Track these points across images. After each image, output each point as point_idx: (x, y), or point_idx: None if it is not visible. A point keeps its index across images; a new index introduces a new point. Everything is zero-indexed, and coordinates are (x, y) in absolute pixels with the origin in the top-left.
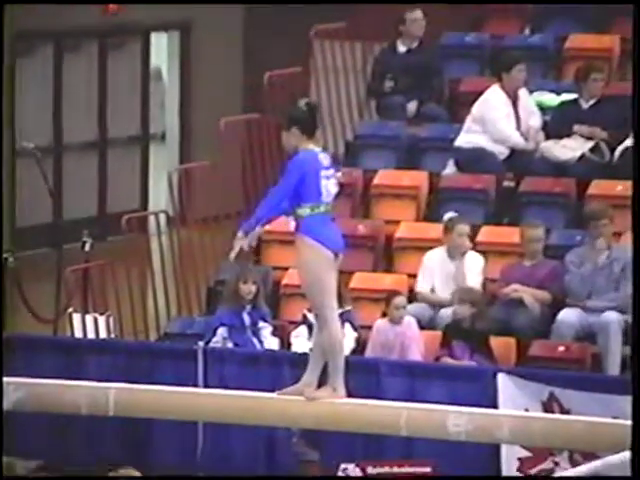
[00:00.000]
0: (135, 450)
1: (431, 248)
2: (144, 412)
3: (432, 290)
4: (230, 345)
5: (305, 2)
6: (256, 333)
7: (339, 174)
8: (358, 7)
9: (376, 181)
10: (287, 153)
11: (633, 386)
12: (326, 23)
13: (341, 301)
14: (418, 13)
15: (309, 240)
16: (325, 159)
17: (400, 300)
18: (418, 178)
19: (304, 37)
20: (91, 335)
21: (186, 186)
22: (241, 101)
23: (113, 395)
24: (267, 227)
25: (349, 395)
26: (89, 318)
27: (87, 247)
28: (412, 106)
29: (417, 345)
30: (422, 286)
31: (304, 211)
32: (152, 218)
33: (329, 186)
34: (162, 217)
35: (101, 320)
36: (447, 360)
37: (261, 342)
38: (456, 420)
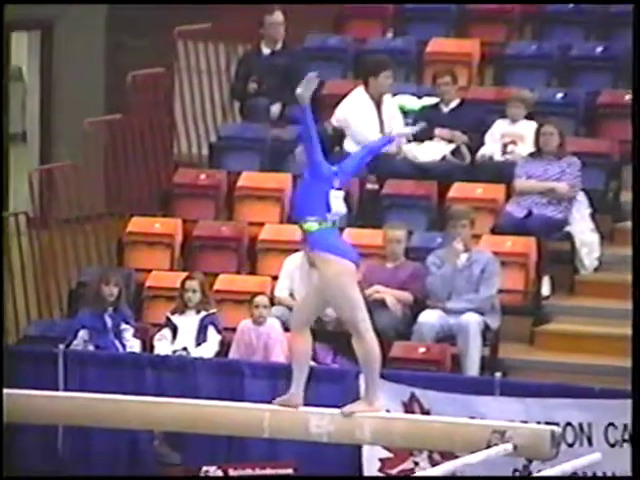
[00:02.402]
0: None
1: (295, 250)
2: (4, 416)
3: (291, 294)
4: (92, 348)
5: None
6: (118, 335)
7: (202, 176)
8: (223, 8)
9: (240, 183)
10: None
11: (633, 386)
12: (190, 24)
13: (205, 303)
14: (277, 16)
15: (328, 255)
16: (337, 181)
17: (260, 299)
18: (282, 180)
19: (168, 37)
20: None
21: (47, 187)
22: (104, 101)
23: None
24: (130, 228)
25: (212, 397)
26: None
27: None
28: (276, 108)
29: (280, 346)
30: (281, 290)
31: (311, 226)
32: (12, 219)
33: (337, 205)
34: (22, 218)
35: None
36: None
37: (123, 345)
38: (318, 421)
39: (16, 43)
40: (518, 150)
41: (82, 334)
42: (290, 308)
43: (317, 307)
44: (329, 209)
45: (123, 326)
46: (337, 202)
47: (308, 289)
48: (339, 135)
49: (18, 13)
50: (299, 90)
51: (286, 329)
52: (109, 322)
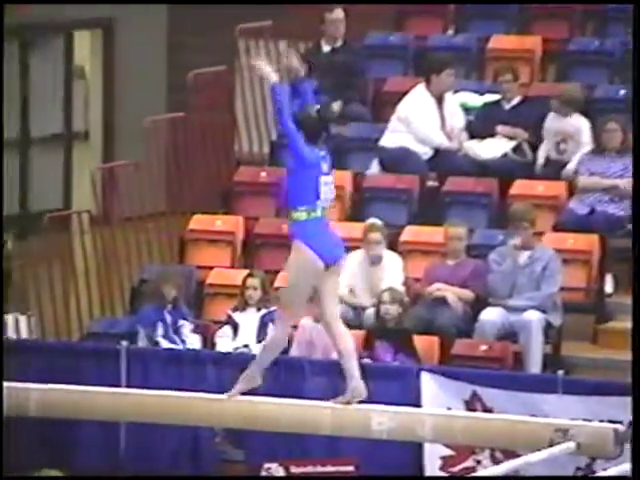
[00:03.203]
0: (58, 451)
1: (357, 248)
2: (66, 413)
3: (351, 291)
4: (153, 344)
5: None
6: (177, 332)
7: (263, 174)
8: (284, 6)
9: None
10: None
11: (633, 387)
12: (251, 22)
13: (266, 301)
14: (338, 13)
15: (302, 246)
16: (325, 165)
17: None
18: (342, 178)
19: (229, 36)
20: (12, 335)
21: (109, 185)
22: (165, 100)
23: (34, 396)
24: (192, 226)
25: (272, 394)
26: (10, 318)
27: (8, 246)
28: (336, 106)
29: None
30: (341, 288)
31: (300, 215)
32: (75, 217)
33: (327, 191)
34: (85, 216)
35: (22, 320)
36: (367, 361)
37: (183, 341)
38: (379, 419)
39: (79, 42)
40: (570, 148)
41: (143, 331)
42: (351, 306)
43: (333, 295)
44: (318, 196)
45: (181, 322)
46: (326, 189)
47: (320, 290)
48: (326, 118)
49: (80, 12)
50: (258, 64)
51: (347, 326)
52: (168, 319)
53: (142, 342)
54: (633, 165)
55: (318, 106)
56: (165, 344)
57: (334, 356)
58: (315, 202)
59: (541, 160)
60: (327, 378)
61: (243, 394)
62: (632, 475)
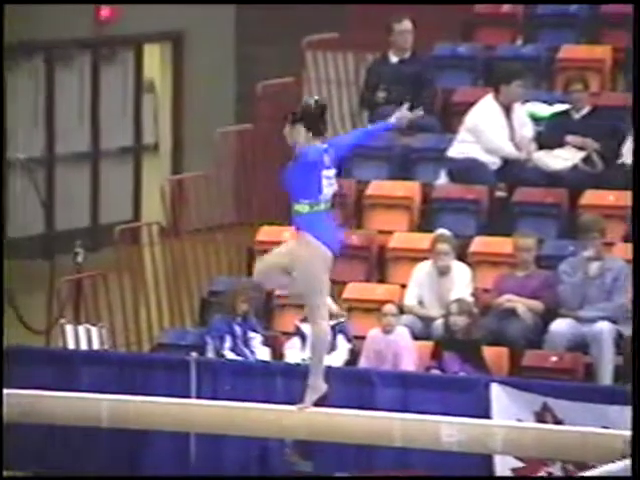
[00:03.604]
0: (128, 461)
1: (424, 258)
2: (137, 423)
3: (420, 303)
4: (223, 356)
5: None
6: (247, 344)
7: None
8: (351, 18)
9: (369, 191)
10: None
11: (633, 390)
12: (319, 34)
13: (334, 312)
14: (406, 24)
15: (310, 237)
16: (327, 159)
17: (389, 308)
18: (411, 188)
19: (297, 48)
20: (84, 346)
21: (179, 197)
22: (234, 111)
23: (106, 406)
24: (260, 237)
25: (342, 405)
26: (81, 329)
27: (79, 258)
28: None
29: (410, 355)
30: (410, 298)
31: (303, 208)
32: (145, 229)
33: (328, 187)
34: (155, 228)
35: (94, 331)
36: (436, 372)
37: (252, 353)
38: (449, 430)
39: (148, 55)
40: None
41: (212, 343)
42: (419, 317)
43: (282, 269)
44: (320, 190)
45: (251, 334)
46: (327, 184)
47: (284, 249)
48: (322, 111)
49: (150, 26)
50: None
51: (415, 337)
52: (238, 331)
53: (211, 354)
54: (633, 165)
55: (317, 97)
56: (232, 357)
57: (403, 367)
58: (318, 196)
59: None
60: (396, 389)
61: (314, 405)
62: (632, 475)
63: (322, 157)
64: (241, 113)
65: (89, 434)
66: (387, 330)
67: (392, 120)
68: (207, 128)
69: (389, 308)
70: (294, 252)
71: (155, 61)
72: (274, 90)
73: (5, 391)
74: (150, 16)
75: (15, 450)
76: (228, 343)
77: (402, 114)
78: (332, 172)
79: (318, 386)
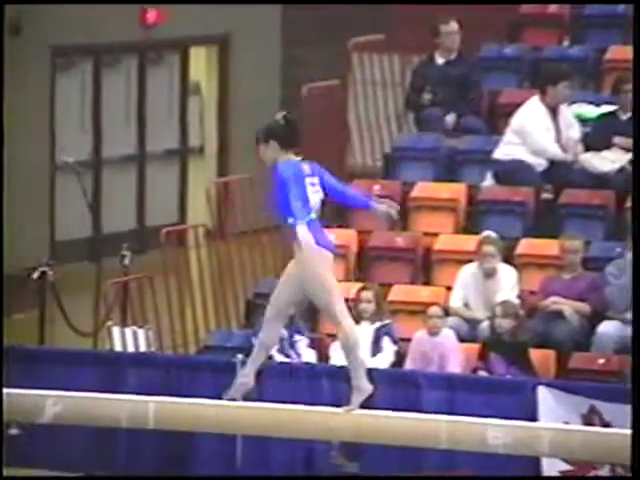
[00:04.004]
0: (174, 463)
1: (470, 260)
2: (183, 425)
3: (466, 305)
4: (270, 357)
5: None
6: (293, 347)
7: (376, 187)
8: (396, 19)
9: (414, 193)
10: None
11: (633, 390)
12: (365, 36)
13: (380, 314)
14: (452, 25)
15: (310, 245)
16: (307, 168)
17: (434, 310)
18: (456, 190)
19: (342, 50)
20: (130, 349)
21: (224, 199)
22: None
23: (153, 408)
24: None
25: (388, 407)
26: (128, 331)
27: (126, 261)
28: (451, 118)
29: (456, 357)
30: (456, 300)
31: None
32: (191, 231)
33: (314, 194)
34: (201, 230)
35: (140, 333)
36: (483, 374)
37: (298, 355)
38: (496, 433)
39: (194, 58)
40: None
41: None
42: (465, 319)
43: (293, 295)
44: (308, 201)
45: (297, 337)
46: (313, 192)
47: (282, 279)
48: (292, 125)
49: (196, 28)
50: None
51: (461, 340)
52: (285, 333)
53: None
54: (633, 165)
55: (285, 112)
56: (280, 358)
57: (450, 369)
58: (306, 206)
59: None
60: (442, 391)
61: (360, 407)
62: (632, 475)
63: (299, 168)
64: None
65: (136, 436)
66: (433, 332)
67: (374, 206)
68: (253, 130)
69: (434, 310)
70: (293, 272)
71: (201, 64)
72: (319, 92)
73: (54, 392)
74: (196, 19)
75: (65, 452)
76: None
77: (383, 211)
78: (316, 179)
79: (363, 387)
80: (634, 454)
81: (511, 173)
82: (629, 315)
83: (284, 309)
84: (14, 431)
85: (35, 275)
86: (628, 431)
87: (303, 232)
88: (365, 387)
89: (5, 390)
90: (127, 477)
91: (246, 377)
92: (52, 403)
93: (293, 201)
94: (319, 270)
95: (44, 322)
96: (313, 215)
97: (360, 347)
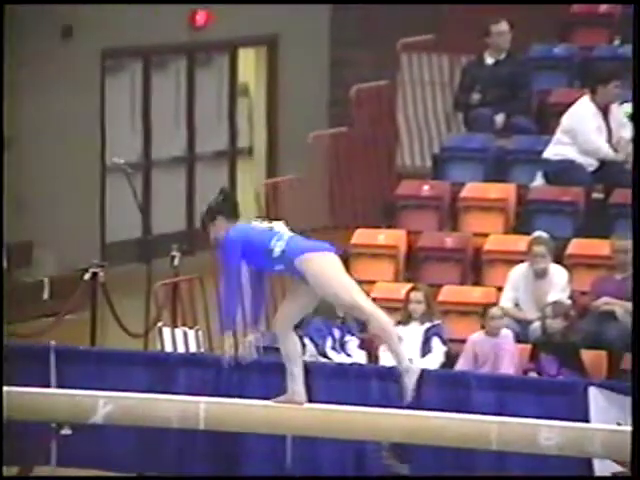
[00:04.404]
0: (225, 463)
1: (520, 261)
2: (234, 426)
3: (516, 305)
4: (324, 355)
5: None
6: (344, 347)
7: (425, 187)
8: (446, 19)
9: (464, 194)
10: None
11: (633, 390)
12: (413, 36)
13: (430, 315)
14: (503, 25)
15: (309, 255)
16: (259, 223)
17: (496, 311)
18: (506, 190)
19: (391, 50)
20: (181, 349)
21: (273, 200)
22: (328, 115)
23: (203, 409)
24: (355, 240)
25: (438, 408)
26: (179, 332)
27: (176, 261)
28: (500, 118)
29: (511, 358)
30: (506, 300)
31: (275, 252)
32: None
33: (276, 245)
34: None
35: (191, 334)
36: (534, 375)
37: (349, 355)
38: (548, 434)
39: (243, 59)
40: None
41: (312, 344)
42: (516, 319)
43: (304, 307)
44: (271, 244)
45: (348, 338)
46: (276, 238)
47: (291, 291)
48: (230, 196)
49: (245, 30)
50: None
51: (517, 340)
52: (337, 334)
53: (308, 355)
54: (633, 165)
55: (221, 187)
56: (335, 357)
57: (503, 370)
58: (271, 245)
59: None
60: (493, 392)
61: (410, 407)
62: (632, 475)
63: (246, 228)
64: (335, 116)
65: (186, 436)
66: (493, 333)
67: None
68: (301, 131)
69: (495, 311)
70: (299, 286)
71: (250, 65)
72: (368, 93)
73: (105, 393)
74: (245, 20)
75: (115, 452)
76: (330, 343)
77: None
78: (274, 224)
79: (405, 364)
80: (634, 454)
81: (561, 173)
82: None
83: (295, 321)
84: (67, 431)
85: (86, 276)
86: None
87: (293, 251)
88: (413, 368)
89: (57, 390)
90: (129, 477)
91: (298, 395)
92: (103, 404)
93: (262, 246)
94: (332, 273)
95: (95, 323)
96: (290, 232)
97: (396, 332)
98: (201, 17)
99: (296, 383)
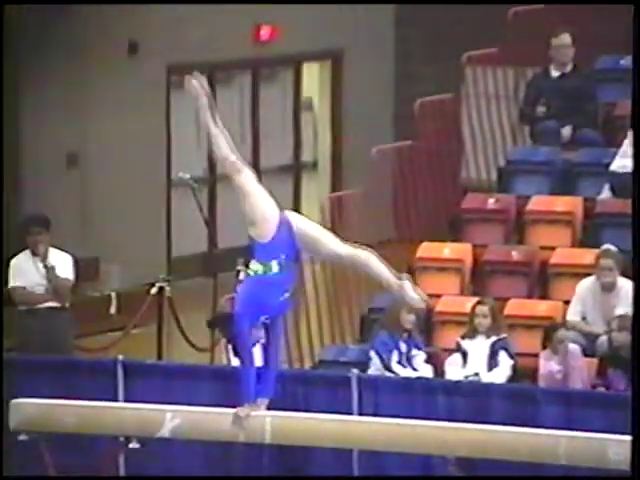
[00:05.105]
0: (291, 474)
1: (587, 274)
2: (299, 440)
3: (583, 319)
4: (390, 370)
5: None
6: (410, 361)
7: (491, 200)
8: (509, 32)
9: (530, 207)
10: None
11: (633, 390)
12: (477, 49)
13: (496, 329)
14: (564, 38)
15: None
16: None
17: (562, 334)
18: (573, 203)
19: (456, 64)
20: None
21: (338, 214)
22: (392, 129)
23: (269, 423)
24: (420, 254)
25: (504, 422)
26: None
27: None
28: (566, 131)
29: (579, 373)
30: (573, 315)
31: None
32: None
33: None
34: None
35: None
36: (601, 390)
37: (415, 370)
38: (617, 449)
39: (308, 73)
40: None
41: (378, 358)
42: (583, 333)
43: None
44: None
45: (414, 352)
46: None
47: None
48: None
49: (309, 44)
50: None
51: (584, 354)
52: (403, 348)
53: (374, 370)
54: (633, 164)
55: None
56: (401, 371)
57: (571, 384)
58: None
59: None
60: (560, 407)
61: (477, 422)
62: (632, 475)
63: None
64: (400, 130)
65: (252, 449)
66: (559, 353)
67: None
68: (366, 145)
69: (562, 334)
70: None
71: (314, 79)
72: (433, 107)
73: (172, 407)
74: (309, 35)
75: (183, 465)
76: (396, 357)
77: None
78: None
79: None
80: (634, 454)
81: (628, 186)
82: None
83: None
84: (135, 445)
85: (153, 291)
86: None
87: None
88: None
89: (124, 404)
90: (129, 477)
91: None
92: (170, 417)
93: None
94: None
95: (162, 337)
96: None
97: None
98: (265, 32)
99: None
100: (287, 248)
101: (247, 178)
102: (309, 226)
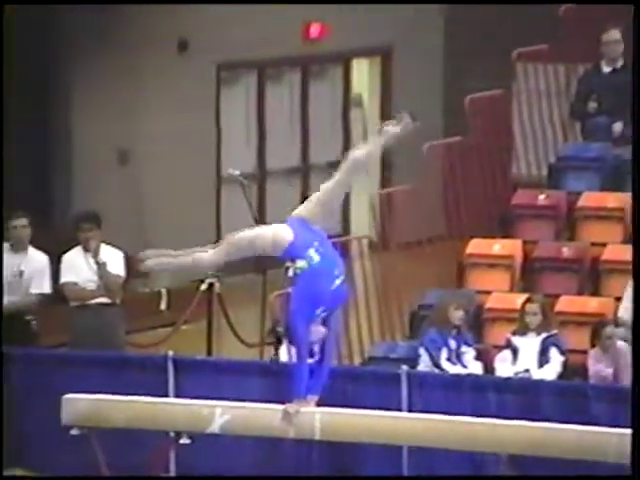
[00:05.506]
0: (341, 470)
1: None
2: (349, 436)
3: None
4: (439, 367)
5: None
6: (460, 357)
7: (541, 196)
8: (560, 29)
9: (581, 203)
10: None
11: (633, 390)
12: (528, 46)
13: (547, 325)
14: (613, 34)
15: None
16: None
17: (610, 330)
18: (624, 200)
19: (506, 60)
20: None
21: (388, 210)
22: (442, 125)
23: (319, 419)
24: (470, 250)
25: (555, 419)
26: (286, 342)
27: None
28: (618, 127)
29: (629, 371)
30: (624, 312)
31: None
32: (355, 243)
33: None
34: (365, 242)
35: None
36: None
37: (465, 366)
38: None
39: (357, 70)
40: None
41: (427, 355)
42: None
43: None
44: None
45: (464, 349)
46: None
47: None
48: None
49: (359, 41)
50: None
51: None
52: (453, 344)
53: (423, 366)
54: (633, 163)
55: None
56: (450, 368)
57: (622, 382)
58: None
59: None
60: (610, 404)
61: (527, 418)
62: (632, 475)
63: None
64: (450, 126)
65: (302, 445)
66: (607, 350)
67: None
68: (416, 141)
69: (609, 331)
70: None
71: (363, 76)
72: (483, 103)
73: (222, 403)
74: (358, 31)
75: (234, 461)
76: (445, 354)
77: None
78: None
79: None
80: (634, 454)
81: None
82: None
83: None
84: (185, 440)
85: (203, 287)
86: None
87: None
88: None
89: (174, 400)
90: (127, 477)
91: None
92: (220, 413)
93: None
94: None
95: (211, 333)
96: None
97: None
98: (315, 29)
99: None
100: (313, 234)
101: (232, 237)
102: (305, 204)
